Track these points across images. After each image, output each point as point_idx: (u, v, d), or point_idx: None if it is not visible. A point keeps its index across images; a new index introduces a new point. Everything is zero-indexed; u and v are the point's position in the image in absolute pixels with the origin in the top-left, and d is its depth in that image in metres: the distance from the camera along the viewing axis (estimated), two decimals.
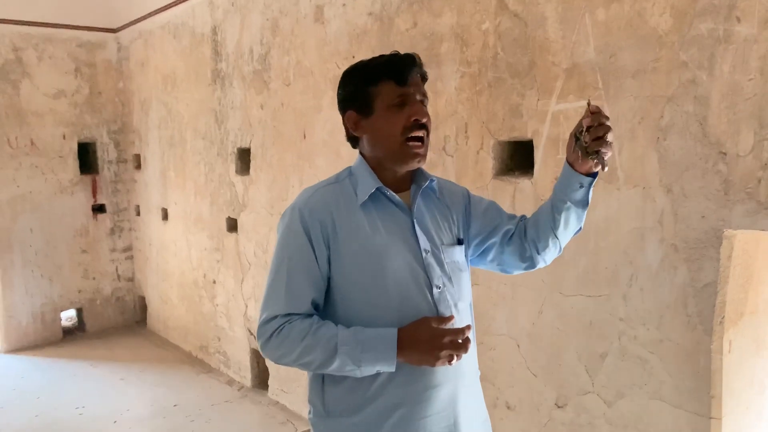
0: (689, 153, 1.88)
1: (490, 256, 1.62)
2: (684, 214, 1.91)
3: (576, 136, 1.37)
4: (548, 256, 1.57)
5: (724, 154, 1.80)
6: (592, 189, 1.45)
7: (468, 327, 1.36)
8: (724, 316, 1.85)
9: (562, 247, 1.56)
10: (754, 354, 1.99)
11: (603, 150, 1.33)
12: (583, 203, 1.46)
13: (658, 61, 1.94)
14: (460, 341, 1.32)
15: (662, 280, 1.98)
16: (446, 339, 1.31)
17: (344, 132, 1.55)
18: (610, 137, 1.33)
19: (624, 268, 2.08)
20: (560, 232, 1.50)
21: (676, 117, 1.91)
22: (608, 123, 1.33)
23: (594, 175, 1.42)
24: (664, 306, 1.98)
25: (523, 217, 1.62)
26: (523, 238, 1.57)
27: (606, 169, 1.38)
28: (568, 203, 1.45)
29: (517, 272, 1.65)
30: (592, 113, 1.33)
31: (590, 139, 1.33)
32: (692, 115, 1.87)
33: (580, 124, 1.36)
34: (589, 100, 1.39)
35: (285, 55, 3.66)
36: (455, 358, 1.32)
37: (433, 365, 1.33)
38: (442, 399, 1.43)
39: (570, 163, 1.42)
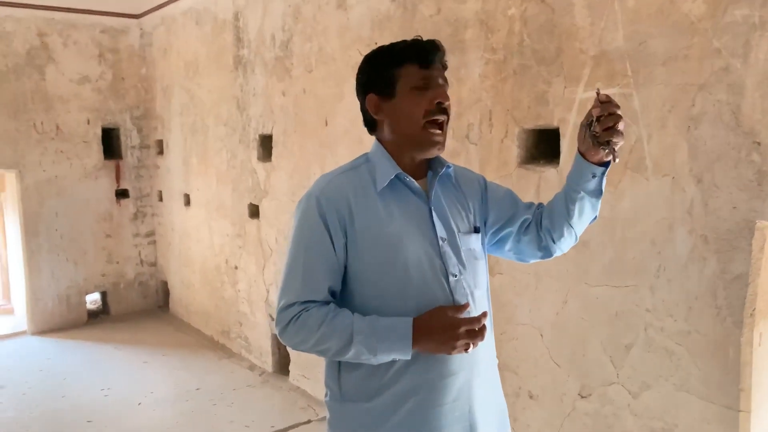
0: (721, 142, 1.84)
1: (508, 245, 1.62)
2: (715, 204, 1.88)
3: (587, 125, 1.36)
4: (564, 245, 1.56)
5: (758, 143, 1.76)
6: (605, 178, 1.44)
7: (484, 314, 1.35)
8: (755, 309, 1.82)
9: (578, 235, 1.55)
10: None
11: (614, 140, 1.32)
12: (597, 193, 1.46)
13: (690, 48, 1.90)
14: (476, 329, 1.32)
15: (691, 272, 1.95)
16: (462, 328, 1.31)
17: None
18: (621, 126, 1.32)
19: (651, 259, 2.06)
20: (575, 221, 1.49)
21: (707, 105, 1.87)
22: (619, 111, 1.32)
23: (606, 165, 1.41)
24: (692, 297, 1.95)
25: (540, 205, 1.61)
26: (539, 227, 1.56)
27: (617, 159, 1.37)
28: (582, 193, 1.44)
29: (533, 260, 1.64)
30: (602, 102, 1.32)
31: (600, 129, 1.32)
32: (725, 103, 1.83)
33: (590, 114, 1.35)
34: (598, 89, 1.37)
35: (307, 42, 3.65)
36: (471, 346, 1.32)
37: (450, 353, 1.34)
38: (457, 387, 1.43)
39: (581, 153, 1.42)
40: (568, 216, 1.49)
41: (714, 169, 1.87)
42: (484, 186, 1.62)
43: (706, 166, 1.89)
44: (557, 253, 1.59)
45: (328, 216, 1.40)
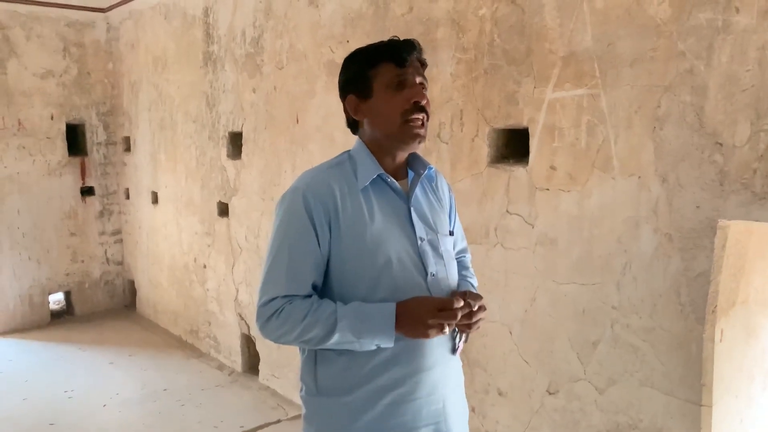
0: (685, 143, 1.89)
1: None
2: (679, 203, 1.92)
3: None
4: None
5: (721, 144, 1.80)
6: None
7: (458, 297, 1.37)
8: (716, 305, 1.87)
9: None
10: (744, 343, 2.01)
11: (461, 333, 1.50)
12: None
13: (655, 50, 1.94)
14: (451, 310, 1.35)
15: (656, 269, 1.99)
16: (436, 308, 1.34)
17: (340, 117, 1.56)
18: (475, 327, 1.46)
19: (618, 257, 2.10)
20: None
21: (672, 107, 1.91)
22: (477, 318, 1.45)
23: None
24: (657, 294, 2.00)
25: (462, 254, 1.72)
26: None
27: (457, 349, 1.53)
28: None
29: None
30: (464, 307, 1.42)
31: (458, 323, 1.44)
32: (689, 105, 1.87)
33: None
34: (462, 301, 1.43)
35: (278, 39, 3.63)
36: (447, 327, 1.35)
37: (426, 335, 1.35)
38: (432, 382, 1.46)
39: None
40: None
41: (678, 169, 1.91)
42: (451, 203, 1.68)
43: (670, 166, 1.93)
44: None
45: (314, 211, 1.41)
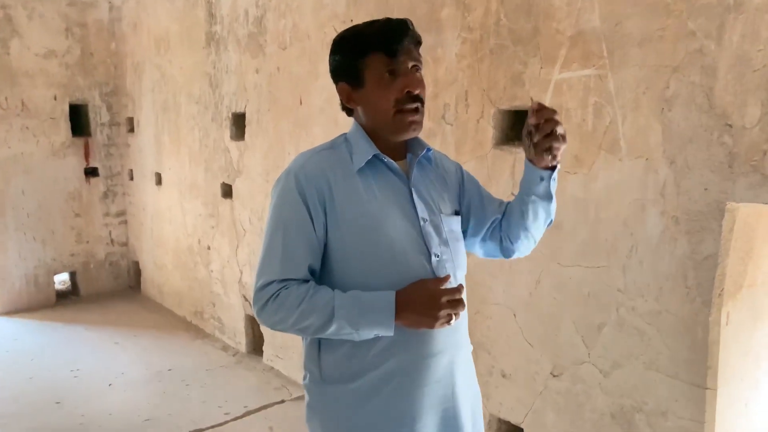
0: (694, 124, 1.86)
1: (477, 240, 1.63)
2: (686, 186, 1.89)
3: (527, 135, 1.40)
4: (523, 248, 1.60)
5: (730, 126, 1.77)
6: (554, 182, 1.47)
7: (461, 286, 1.35)
8: (723, 289, 1.85)
9: (536, 239, 1.59)
10: (750, 326, 2.00)
11: (554, 145, 1.37)
12: (547, 196, 1.48)
13: (664, 29, 1.90)
14: (456, 298, 1.31)
15: (662, 252, 1.97)
16: (443, 298, 1.30)
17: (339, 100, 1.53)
18: (559, 130, 1.36)
19: (624, 240, 2.08)
20: (529, 224, 1.53)
21: (681, 87, 1.88)
22: (556, 117, 1.36)
23: (553, 169, 1.45)
24: (663, 278, 1.98)
25: (508, 203, 1.63)
26: (500, 227, 1.60)
27: (558, 163, 1.43)
28: (533, 197, 1.48)
29: (496, 258, 1.67)
30: (537, 111, 1.36)
31: (540, 136, 1.36)
32: (698, 85, 1.84)
33: (527, 124, 1.39)
34: (531, 98, 1.38)
35: (281, 18, 3.58)
36: (454, 317, 1.31)
37: (433, 327, 1.32)
38: (441, 368, 1.43)
39: (529, 160, 1.45)
40: (523, 219, 1.52)
41: (686, 151, 1.88)
42: (461, 173, 1.63)
43: (678, 147, 1.90)
44: (516, 255, 1.62)
45: (307, 193, 1.38)
